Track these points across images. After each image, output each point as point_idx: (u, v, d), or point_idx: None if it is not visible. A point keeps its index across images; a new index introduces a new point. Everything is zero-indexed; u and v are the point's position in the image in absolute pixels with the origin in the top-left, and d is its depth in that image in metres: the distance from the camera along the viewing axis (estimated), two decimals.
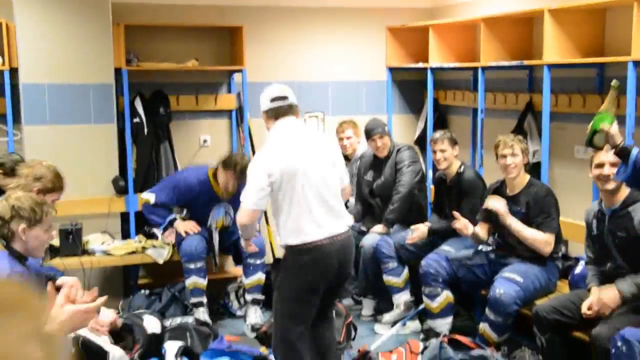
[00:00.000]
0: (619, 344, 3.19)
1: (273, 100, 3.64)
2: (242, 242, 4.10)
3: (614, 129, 3.11)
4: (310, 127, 4.09)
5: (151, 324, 4.13)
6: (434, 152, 4.95)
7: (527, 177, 4.38)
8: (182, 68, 5.71)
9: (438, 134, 4.98)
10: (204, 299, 4.92)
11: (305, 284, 3.53)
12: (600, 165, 3.60)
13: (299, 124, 3.76)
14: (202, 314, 4.86)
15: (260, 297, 5.07)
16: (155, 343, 4.07)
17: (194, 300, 4.91)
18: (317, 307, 3.62)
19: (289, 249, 3.54)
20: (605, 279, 3.68)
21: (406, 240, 4.94)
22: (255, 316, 5.01)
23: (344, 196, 3.77)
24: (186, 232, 4.98)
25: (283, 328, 3.58)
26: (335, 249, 3.51)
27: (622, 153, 3.09)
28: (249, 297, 5.08)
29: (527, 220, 4.28)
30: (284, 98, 3.64)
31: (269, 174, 3.44)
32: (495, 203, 4.30)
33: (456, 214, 4.43)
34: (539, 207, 4.24)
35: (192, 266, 4.91)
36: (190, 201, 5.07)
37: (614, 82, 3.18)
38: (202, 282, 4.93)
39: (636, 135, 3.92)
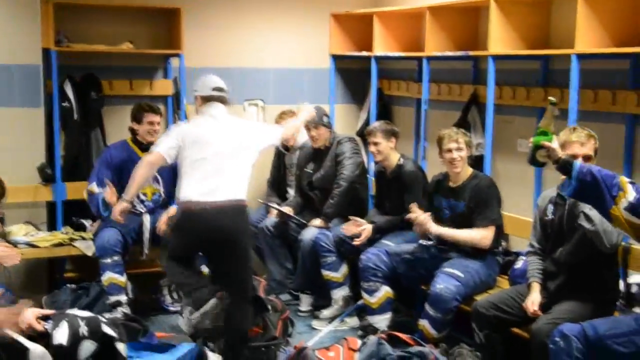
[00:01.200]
0: (557, 339, 3.22)
1: (214, 89, 4.28)
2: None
3: (554, 144, 3.12)
4: (234, 116, 4.29)
5: (59, 334, 3.62)
6: (369, 144, 4.96)
7: (470, 170, 4.41)
8: (115, 51, 5.58)
9: (372, 126, 5.00)
10: (123, 297, 4.79)
11: (178, 237, 4.18)
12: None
13: (224, 110, 4.30)
14: (121, 314, 4.71)
15: None
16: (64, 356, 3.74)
17: (111, 299, 4.78)
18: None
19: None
20: (554, 266, 3.70)
21: (353, 243, 4.90)
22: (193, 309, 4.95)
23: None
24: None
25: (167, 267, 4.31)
26: (206, 214, 3.99)
27: (564, 168, 3.09)
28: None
29: (469, 213, 4.30)
30: (222, 90, 4.33)
31: (181, 137, 4.15)
32: (418, 216, 4.34)
33: (414, 206, 4.41)
34: (479, 198, 4.28)
35: (107, 261, 4.78)
36: (120, 171, 4.93)
37: (550, 99, 3.19)
38: (119, 278, 4.80)
39: None
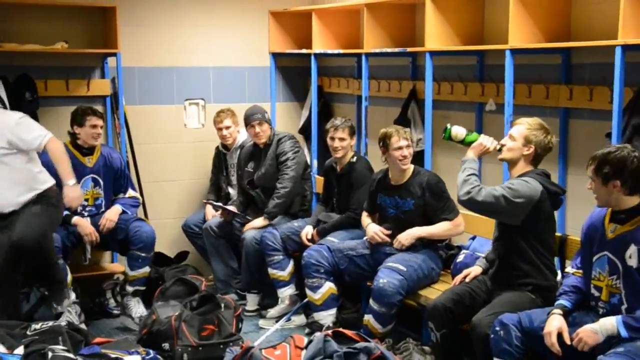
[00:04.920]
0: (497, 328, 3.26)
1: None
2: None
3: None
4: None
5: None
6: (332, 139, 4.93)
7: (412, 166, 4.45)
8: (50, 50, 5.43)
9: (339, 121, 4.99)
10: (73, 296, 4.69)
11: None
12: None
13: None
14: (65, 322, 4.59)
15: (142, 288, 5.05)
16: None
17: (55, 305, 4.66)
18: None
19: None
20: (494, 256, 3.79)
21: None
22: (139, 308, 4.96)
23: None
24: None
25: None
26: None
27: None
28: (130, 288, 5.01)
29: (421, 210, 4.35)
30: None
31: None
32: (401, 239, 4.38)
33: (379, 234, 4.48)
34: (435, 194, 4.32)
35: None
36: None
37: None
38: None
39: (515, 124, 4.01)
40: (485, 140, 3.74)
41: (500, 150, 3.70)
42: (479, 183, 3.62)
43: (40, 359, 3.66)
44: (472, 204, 3.62)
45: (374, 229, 4.51)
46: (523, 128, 3.62)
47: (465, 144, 3.80)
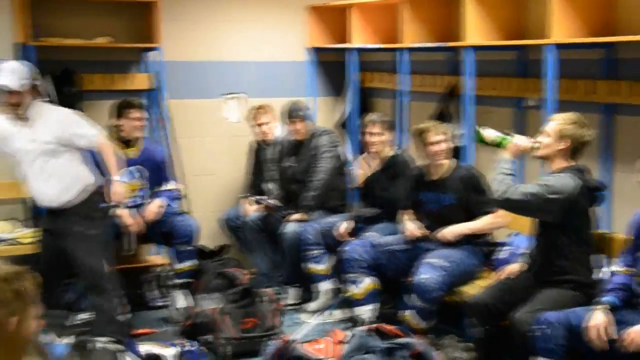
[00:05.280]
0: (542, 326, 3.25)
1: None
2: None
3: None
4: None
5: None
6: (368, 134, 4.94)
7: (452, 161, 4.45)
8: (92, 44, 5.53)
9: (375, 116, 5.01)
10: None
11: None
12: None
13: None
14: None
15: (188, 280, 5.11)
16: None
17: None
18: None
19: None
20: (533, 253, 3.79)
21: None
22: (183, 300, 5.03)
23: None
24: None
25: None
26: None
27: None
28: (176, 281, 5.10)
29: (462, 205, 4.35)
30: None
31: None
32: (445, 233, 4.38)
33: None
34: (475, 188, 4.31)
35: None
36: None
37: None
38: None
39: None
40: (520, 140, 3.72)
41: (534, 148, 3.68)
42: (513, 182, 3.60)
43: (87, 350, 3.76)
44: (507, 203, 3.61)
45: (411, 227, 4.52)
46: (555, 123, 3.59)
47: (502, 147, 3.75)
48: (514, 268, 3.91)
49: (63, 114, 4.32)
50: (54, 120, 4.22)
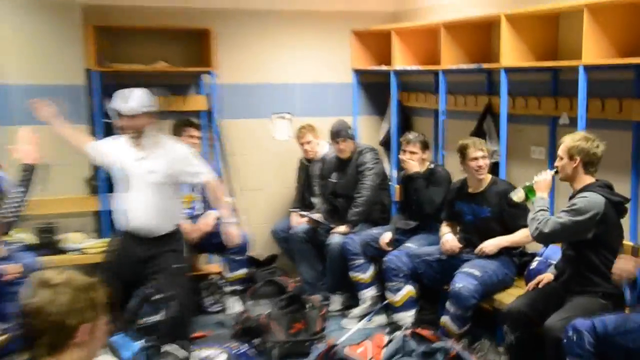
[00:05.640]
0: (570, 333, 3.29)
1: None
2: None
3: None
4: None
5: None
6: (404, 151, 5.02)
7: (490, 176, 4.51)
8: (152, 69, 5.72)
9: (412, 135, 5.07)
10: None
11: None
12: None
13: None
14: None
15: (239, 288, 5.25)
16: None
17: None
18: None
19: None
20: (563, 262, 3.86)
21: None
22: (235, 306, 5.18)
23: None
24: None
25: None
26: None
27: None
28: (229, 288, 5.24)
29: (498, 217, 4.41)
30: None
31: None
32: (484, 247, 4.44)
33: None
34: (510, 202, 4.32)
35: None
36: None
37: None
38: None
39: None
40: (542, 176, 3.82)
41: (557, 172, 3.76)
42: (547, 216, 3.67)
43: (156, 353, 3.90)
44: (543, 238, 3.72)
45: (449, 244, 4.59)
46: (564, 145, 3.70)
47: (532, 198, 3.87)
48: (545, 277, 3.96)
49: (179, 149, 4.31)
50: (170, 156, 4.21)
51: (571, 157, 3.66)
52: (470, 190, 4.55)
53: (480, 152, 4.43)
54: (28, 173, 3.81)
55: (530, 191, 3.89)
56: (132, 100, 4.08)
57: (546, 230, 3.60)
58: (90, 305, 2.01)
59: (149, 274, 4.25)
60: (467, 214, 4.56)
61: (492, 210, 4.42)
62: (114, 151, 4.29)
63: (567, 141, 3.69)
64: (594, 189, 3.62)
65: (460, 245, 4.55)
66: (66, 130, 4.30)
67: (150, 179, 4.15)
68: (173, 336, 4.15)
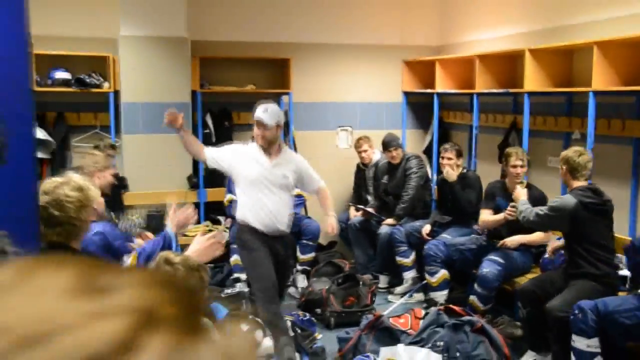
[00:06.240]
0: (576, 312, 3.27)
1: None
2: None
3: None
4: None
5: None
6: (442, 158, 5.00)
7: (526, 181, 4.37)
8: (242, 91, 5.83)
9: (448, 145, 5.05)
10: (243, 275, 4.92)
11: None
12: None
13: None
14: (240, 287, 4.87)
15: (308, 268, 5.26)
16: None
17: (234, 275, 5.01)
18: None
19: None
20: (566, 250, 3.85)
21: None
22: (303, 282, 5.17)
23: None
24: None
25: None
26: None
27: None
28: (300, 267, 5.24)
29: None
30: None
31: None
32: (507, 242, 4.38)
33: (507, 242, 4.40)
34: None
35: (235, 246, 4.89)
36: None
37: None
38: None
39: (595, 150, 3.97)
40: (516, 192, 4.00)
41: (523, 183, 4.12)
42: (531, 208, 3.77)
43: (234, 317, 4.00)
44: (530, 223, 3.78)
45: (485, 218, 4.51)
46: (560, 158, 3.76)
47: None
48: (555, 244, 4.03)
49: (300, 158, 4.05)
50: (297, 164, 3.91)
51: (562, 165, 3.69)
52: (509, 190, 4.42)
53: (520, 162, 4.29)
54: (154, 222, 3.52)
55: None
56: (271, 113, 3.72)
57: (531, 218, 3.71)
58: (200, 281, 2.06)
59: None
60: (504, 209, 4.42)
61: None
62: (239, 158, 3.81)
63: (561, 154, 3.72)
64: (575, 191, 3.60)
65: (511, 241, 4.38)
66: (190, 137, 3.96)
67: (283, 182, 3.78)
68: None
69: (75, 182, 2.37)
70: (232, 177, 3.93)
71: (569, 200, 3.57)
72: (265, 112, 3.69)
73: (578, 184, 3.64)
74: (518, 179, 4.35)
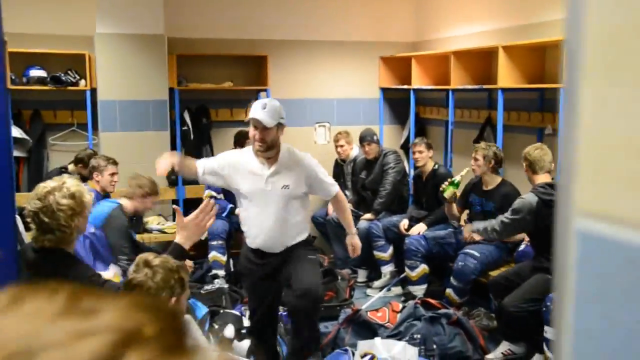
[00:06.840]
0: (548, 303, 3.34)
1: None
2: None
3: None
4: None
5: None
6: (414, 152, 5.05)
7: (499, 177, 4.40)
8: (220, 88, 5.81)
9: (417, 139, 5.11)
10: (221, 272, 4.92)
11: None
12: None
13: None
14: (219, 283, 4.74)
15: None
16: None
17: (213, 272, 4.96)
18: None
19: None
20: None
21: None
22: None
23: None
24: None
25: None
26: None
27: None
28: None
29: (500, 213, 4.28)
30: None
31: None
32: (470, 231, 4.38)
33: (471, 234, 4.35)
34: (508, 205, 4.28)
35: (213, 243, 4.97)
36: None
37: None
38: (221, 257, 4.96)
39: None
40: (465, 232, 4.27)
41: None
42: (492, 222, 3.81)
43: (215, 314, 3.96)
44: (498, 235, 3.81)
45: (468, 233, 4.48)
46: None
47: (455, 190, 4.36)
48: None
49: (309, 160, 3.26)
50: (303, 165, 3.20)
51: (523, 163, 3.77)
52: (483, 187, 4.47)
53: (478, 156, 4.34)
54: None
55: (454, 185, 4.25)
56: (271, 110, 3.02)
57: (497, 228, 3.74)
58: (179, 283, 2.02)
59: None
60: (477, 205, 4.50)
61: (496, 206, 4.37)
62: (231, 171, 3.16)
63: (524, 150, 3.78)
64: (535, 189, 3.64)
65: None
66: (185, 169, 3.28)
67: (285, 193, 3.11)
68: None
69: (68, 189, 2.32)
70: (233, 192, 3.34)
71: (530, 199, 3.61)
72: (264, 110, 2.98)
73: (540, 178, 3.68)
74: (475, 172, 4.37)
